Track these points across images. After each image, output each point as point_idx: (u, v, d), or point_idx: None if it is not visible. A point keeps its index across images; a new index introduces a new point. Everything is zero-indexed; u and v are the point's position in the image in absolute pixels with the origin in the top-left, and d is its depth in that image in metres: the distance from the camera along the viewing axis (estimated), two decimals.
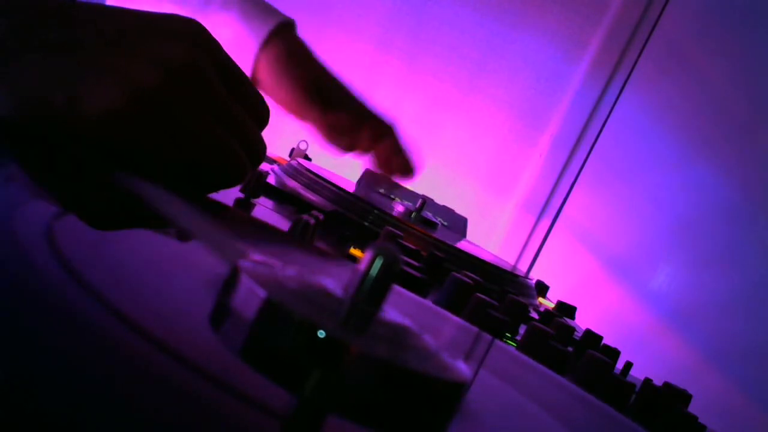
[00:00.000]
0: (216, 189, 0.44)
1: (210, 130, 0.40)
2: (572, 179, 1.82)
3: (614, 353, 0.67)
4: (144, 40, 0.38)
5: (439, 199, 1.08)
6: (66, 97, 0.36)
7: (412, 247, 0.70)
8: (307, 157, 1.03)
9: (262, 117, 0.45)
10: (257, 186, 0.63)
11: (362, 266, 0.22)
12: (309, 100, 0.83)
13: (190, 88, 0.39)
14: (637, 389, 0.56)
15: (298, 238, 0.48)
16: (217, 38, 0.42)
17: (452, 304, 0.57)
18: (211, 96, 0.40)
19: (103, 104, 0.36)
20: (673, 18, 1.73)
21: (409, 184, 1.07)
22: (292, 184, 0.78)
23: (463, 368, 0.24)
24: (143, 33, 0.39)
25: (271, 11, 0.84)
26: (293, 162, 0.85)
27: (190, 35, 0.40)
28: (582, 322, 0.89)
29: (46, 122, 0.37)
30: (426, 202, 0.87)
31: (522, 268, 1.57)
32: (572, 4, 1.79)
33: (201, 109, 0.40)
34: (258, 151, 0.44)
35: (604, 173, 1.80)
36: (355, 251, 0.61)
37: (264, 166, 0.83)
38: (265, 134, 0.46)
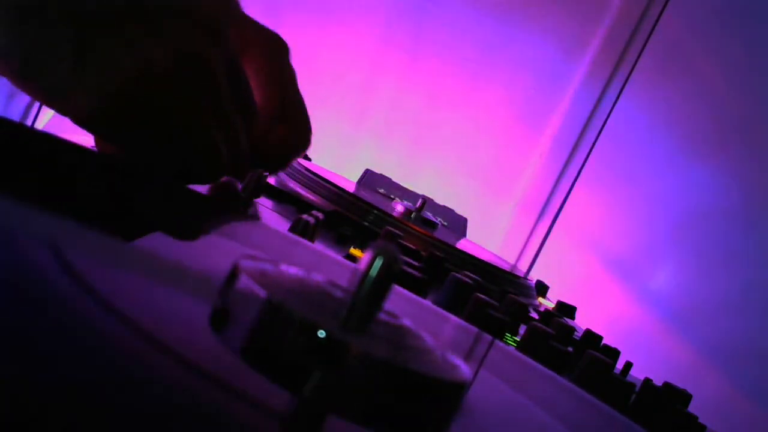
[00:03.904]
0: (189, 181, 0.43)
1: (201, 122, 0.40)
2: (572, 179, 1.82)
3: (614, 353, 0.67)
4: (162, 20, 0.38)
5: (439, 199, 1.08)
6: (71, 65, 0.36)
7: (412, 247, 0.70)
8: (307, 157, 1.03)
9: (251, 123, 0.45)
10: (257, 186, 0.63)
11: (362, 266, 0.22)
12: None
13: (196, 76, 0.39)
14: (637, 389, 0.56)
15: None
16: None
17: (452, 304, 0.57)
18: (213, 88, 0.40)
19: (108, 76, 0.36)
20: (673, 18, 1.73)
21: (410, 184, 1.07)
22: (292, 184, 0.78)
23: (463, 368, 0.24)
24: (163, 12, 0.39)
25: None
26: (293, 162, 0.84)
27: (209, 25, 0.40)
28: (582, 322, 0.89)
29: (48, 88, 0.37)
30: (426, 202, 0.87)
31: (522, 268, 1.58)
32: (572, 4, 1.79)
33: (200, 99, 0.40)
34: (241, 157, 0.44)
35: (604, 173, 1.80)
36: (355, 251, 0.61)
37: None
38: None
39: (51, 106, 0.38)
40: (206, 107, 0.40)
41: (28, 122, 1.18)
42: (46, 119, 1.18)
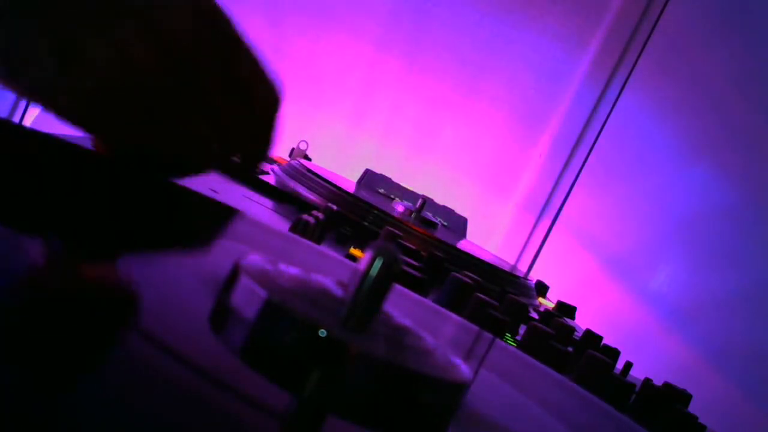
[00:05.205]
0: (179, 174, 0.43)
1: (187, 114, 0.39)
2: (572, 179, 1.82)
3: (614, 353, 0.67)
4: (148, 11, 0.38)
5: (439, 199, 1.08)
6: (54, 63, 0.36)
7: (412, 247, 0.70)
8: (307, 157, 1.03)
9: (255, 104, 0.43)
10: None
11: (362, 266, 0.22)
12: None
13: (181, 64, 0.38)
14: (637, 389, 0.56)
15: None
16: None
17: (452, 304, 0.57)
18: (200, 77, 0.39)
19: (92, 72, 0.36)
20: (674, 18, 1.73)
21: (410, 185, 1.07)
22: (292, 184, 0.78)
23: (463, 368, 0.24)
24: (149, 2, 0.38)
25: None
26: (293, 162, 0.85)
27: (199, 10, 0.39)
28: (582, 322, 0.89)
29: (33, 87, 0.36)
30: (426, 202, 0.87)
31: (522, 268, 1.57)
32: (572, 4, 1.79)
33: (186, 91, 0.39)
34: (229, 141, 0.42)
35: (604, 173, 1.80)
36: (355, 251, 0.61)
37: (264, 166, 0.83)
38: None
39: (37, 103, 0.38)
40: (193, 98, 0.39)
41: (16, 119, 1.18)
42: (35, 115, 1.18)
